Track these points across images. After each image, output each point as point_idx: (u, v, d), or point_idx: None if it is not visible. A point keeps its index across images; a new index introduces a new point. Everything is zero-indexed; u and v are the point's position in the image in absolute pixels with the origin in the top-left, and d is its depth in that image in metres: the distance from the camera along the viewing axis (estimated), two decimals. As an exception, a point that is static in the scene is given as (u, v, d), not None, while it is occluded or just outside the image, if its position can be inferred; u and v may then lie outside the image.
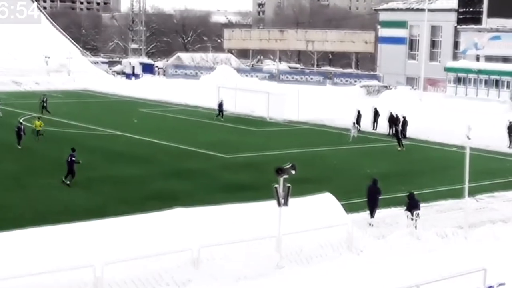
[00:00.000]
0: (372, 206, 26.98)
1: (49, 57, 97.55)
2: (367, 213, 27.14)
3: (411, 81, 77.05)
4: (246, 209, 23.07)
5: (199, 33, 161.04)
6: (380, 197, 27.22)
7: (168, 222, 21.39)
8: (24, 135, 41.21)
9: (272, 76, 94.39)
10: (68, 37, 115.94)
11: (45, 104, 58.36)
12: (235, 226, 21.62)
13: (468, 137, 25.24)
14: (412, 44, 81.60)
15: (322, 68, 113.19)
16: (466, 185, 25.57)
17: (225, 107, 58.80)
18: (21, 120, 46.74)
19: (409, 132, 49.08)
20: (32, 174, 33.64)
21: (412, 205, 25.28)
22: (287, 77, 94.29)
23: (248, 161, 39.47)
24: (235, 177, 34.83)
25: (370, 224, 25.99)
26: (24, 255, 18.31)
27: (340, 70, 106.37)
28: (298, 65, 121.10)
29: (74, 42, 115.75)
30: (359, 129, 47.98)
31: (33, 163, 36.43)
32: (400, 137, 46.19)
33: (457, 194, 29.50)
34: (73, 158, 31.37)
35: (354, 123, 49.73)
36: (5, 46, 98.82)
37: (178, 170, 35.93)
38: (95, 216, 22.54)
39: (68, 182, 31.11)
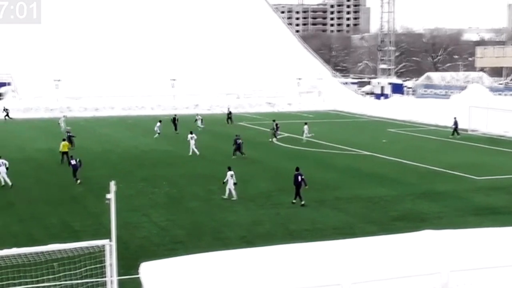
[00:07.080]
0: None
1: (300, 79, 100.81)
2: None
3: None
4: (500, 234, 21.95)
5: (449, 52, 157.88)
6: None
7: (416, 244, 20.97)
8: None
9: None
10: (319, 58, 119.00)
11: (230, 116, 69.56)
12: (488, 251, 20.64)
13: None
14: None
15: None
16: None
17: (473, 127, 57.51)
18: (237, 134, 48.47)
19: None
20: (283, 193, 34.71)
21: None
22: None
23: (502, 183, 37.63)
24: (487, 200, 33.35)
25: None
26: (275, 271, 18.88)
27: None
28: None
29: (324, 64, 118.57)
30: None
31: (284, 182, 37.62)
32: None
33: None
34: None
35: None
36: (260, 70, 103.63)
37: (427, 191, 35.17)
38: (342, 235, 22.76)
39: None
